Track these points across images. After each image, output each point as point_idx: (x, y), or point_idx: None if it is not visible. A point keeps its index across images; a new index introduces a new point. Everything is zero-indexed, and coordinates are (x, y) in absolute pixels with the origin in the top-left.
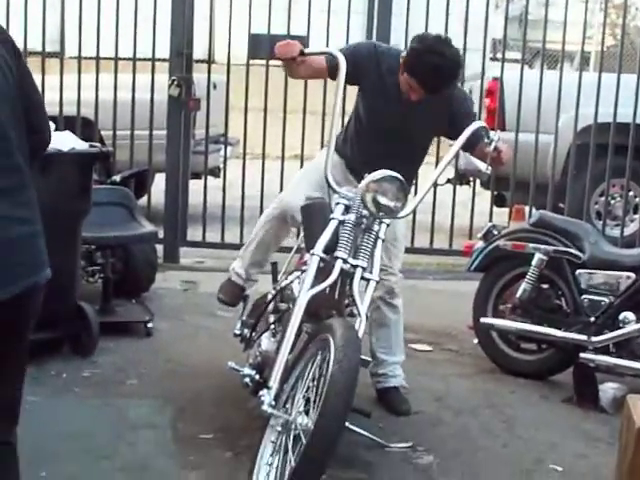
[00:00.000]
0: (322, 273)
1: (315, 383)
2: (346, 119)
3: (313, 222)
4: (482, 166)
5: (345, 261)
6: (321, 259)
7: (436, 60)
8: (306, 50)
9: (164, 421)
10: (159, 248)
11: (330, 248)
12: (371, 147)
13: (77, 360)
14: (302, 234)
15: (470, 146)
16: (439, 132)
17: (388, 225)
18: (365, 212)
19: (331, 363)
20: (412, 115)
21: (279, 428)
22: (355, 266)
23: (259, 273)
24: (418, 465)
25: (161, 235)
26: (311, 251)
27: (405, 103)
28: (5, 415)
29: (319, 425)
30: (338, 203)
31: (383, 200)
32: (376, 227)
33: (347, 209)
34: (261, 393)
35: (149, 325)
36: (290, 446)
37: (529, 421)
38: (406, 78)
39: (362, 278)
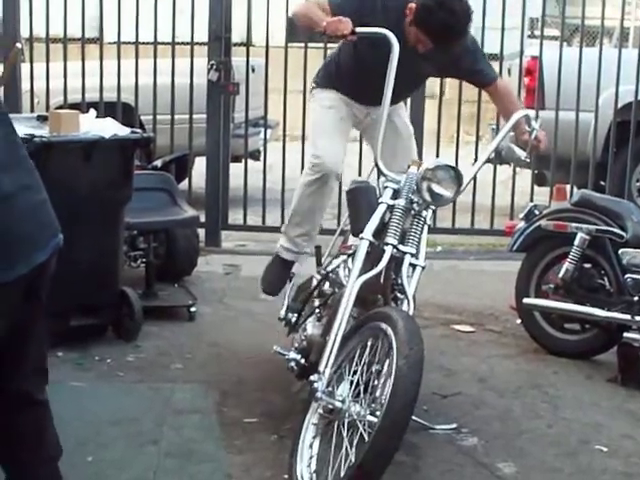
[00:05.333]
0: (370, 257)
1: (365, 369)
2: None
3: (359, 206)
4: (522, 154)
5: (395, 247)
6: (370, 243)
7: (447, 18)
8: (357, 29)
9: (209, 405)
10: (201, 232)
11: (378, 232)
12: (372, 83)
13: (121, 345)
14: (347, 217)
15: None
16: (442, 74)
17: (435, 211)
18: (416, 198)
19: (395, 357)
20: (415, 60)
21: (321, 411)
22: (404, 252)
23: (309, 245)
24: (462, 447)
25: (202, 219)
26: (360, 235)
27: (409, 49)
28: (40, 373)
29: (387, 420)
30: (386, 187)
31: (438, 189)
32: (425, 213)
33: (395, 193)
34: (312, 378)
35: (192, 309)
36: (345, 434)
37: (573, 402)
38: (415, 31)
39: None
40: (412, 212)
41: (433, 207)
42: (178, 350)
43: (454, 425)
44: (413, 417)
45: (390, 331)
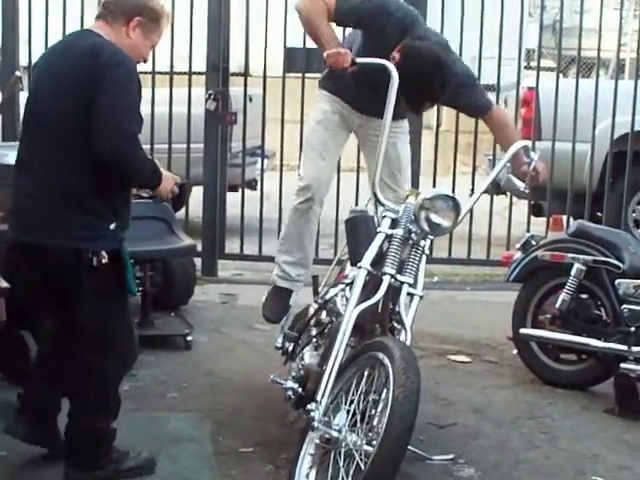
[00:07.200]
0: (368, 287)
1: (361, 399)
2: None
3: (357, 235)
4: (521, 185)
5: (393, 277)
6: (368, 272)
7: (421, 88)
8: (358, 60)
9: (204, 435)
10: (197, 261)
11: (376, 261)
12: (374, 90)
13: None
14: (344, 247)
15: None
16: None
17: (432, 240)
18: (414, 228)
19: (392, 386)
20: None
21: (317, 441)
22: (402, 282)
23: (302, 274)
24: (459, 478)
25: (199, 248)
26: (358, 264)
27: None
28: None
29: (383, 449)
30: (385, 216)
31: (436, 219)
32: (423, 243)
33: (394, 222)
34: (309, 407)
35: (188, 338)
36: (341, 464)
37: (570, 432)
38: None
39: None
40: (410, 242)
41: (431, 237)
42: (174, 379)
43: (451, 455)
44: (410, 447)
45: (387, 361)
